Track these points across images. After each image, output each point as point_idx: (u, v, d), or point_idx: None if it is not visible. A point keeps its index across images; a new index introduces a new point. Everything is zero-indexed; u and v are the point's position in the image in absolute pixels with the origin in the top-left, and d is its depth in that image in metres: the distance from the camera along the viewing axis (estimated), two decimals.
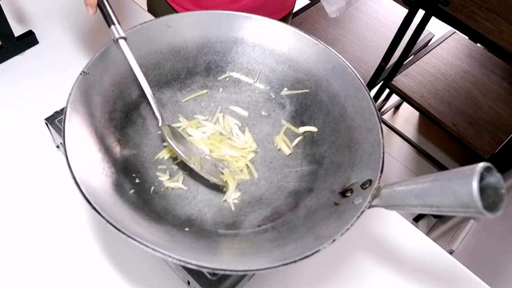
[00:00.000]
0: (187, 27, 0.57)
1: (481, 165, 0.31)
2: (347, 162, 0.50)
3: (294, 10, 1.20)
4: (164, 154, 0.54)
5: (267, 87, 0.61)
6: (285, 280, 0.55)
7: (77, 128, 0.45)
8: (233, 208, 0.51)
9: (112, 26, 0.50)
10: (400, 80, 1.36)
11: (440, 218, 1.48)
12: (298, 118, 0.59)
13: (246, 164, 0.55)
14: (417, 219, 1.50)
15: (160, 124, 0.52)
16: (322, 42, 0.56)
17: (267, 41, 0.59)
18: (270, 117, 0.60)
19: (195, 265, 0.37)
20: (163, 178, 0.52)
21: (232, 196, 0.52)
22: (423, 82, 1.36)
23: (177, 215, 0.49)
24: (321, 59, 0.56)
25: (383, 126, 0.61)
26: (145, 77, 0.56)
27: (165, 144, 0.55)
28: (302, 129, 0.57)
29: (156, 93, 0.57)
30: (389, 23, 1.48)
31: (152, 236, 0.40)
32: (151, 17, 0.82)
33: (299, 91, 0.59)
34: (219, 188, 0.53)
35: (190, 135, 0.57)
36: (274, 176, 0.55)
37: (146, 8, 0.87)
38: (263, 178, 0.55)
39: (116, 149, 0.51)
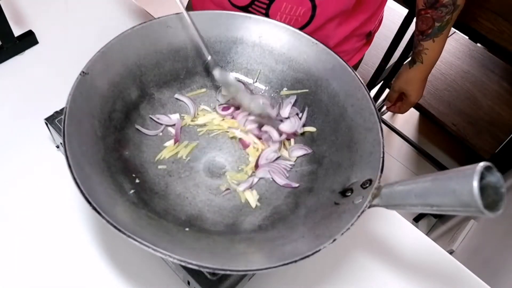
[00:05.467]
0: (186, 27, 0.57)
1: (482, 164, 0.31)
2: (347, 162, 0.50)
3: None
4: (164, 154, 0.54)
5: (267, 87, 0.61)
6: (285, 280, 0.55)
7: (77, 128, 0.45)
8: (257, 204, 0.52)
9: None
10: None
11: (440, 218, 1.48)
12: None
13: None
14: (417, 219, 1.50)
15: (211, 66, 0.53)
16: (321, 42, 0.56)
17: (267, 41, 0.59)
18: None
19: (195, 265, 0.36)
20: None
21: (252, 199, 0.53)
22: None
23: (177, 215, 0.49)
24: (320, 59, 0.56)
25: (383, 126, 0.61)
26: (145, 77, 0.56)
27: (166, 144, 0.55)
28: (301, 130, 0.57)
29: (155, 93, 0.57)
30: (389, 23, 1.48)
31: (152, 236, 0.40)
32: (151, 17, 0.82)
33: (299, 91, 0.59)
34: (219, 188, 0.53)
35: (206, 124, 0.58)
36: None
37: (146, 8, 0.86)
38: (263, 178, 0.55)
39: (116, 149, 0.51)
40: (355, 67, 0.85)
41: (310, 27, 0.67)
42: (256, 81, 0.61)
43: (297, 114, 0.58)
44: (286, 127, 0.56)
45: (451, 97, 1.33)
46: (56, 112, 0.58)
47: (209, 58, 0.54)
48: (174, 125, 0.57)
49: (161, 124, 0.56)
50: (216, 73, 0.55)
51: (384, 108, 0.94)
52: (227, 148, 0.57)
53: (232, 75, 0.55)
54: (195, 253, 0.40)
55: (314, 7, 0.65)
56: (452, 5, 0.67)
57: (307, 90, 0.58)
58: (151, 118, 0.56)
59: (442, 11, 0.67)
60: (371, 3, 0.71)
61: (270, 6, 0.60)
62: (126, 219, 0.40)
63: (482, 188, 0.31)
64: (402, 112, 0.89)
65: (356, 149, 0.50)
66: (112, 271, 0.53)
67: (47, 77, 0.71)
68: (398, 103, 0.88)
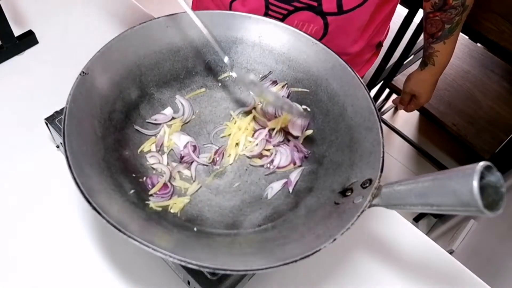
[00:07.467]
0: (186, 27, 0.57)
1: (482, 164, 0.31)
2: (347, 161, 0.50)
3: None
4: (147, 147, 0.54)
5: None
6: (285, 279, 0.55)
7: (77, 128, 0.45)
8: None
9: None
10: (400, 80, 1.36)
11: (440, 218, 1.48)
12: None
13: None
14: (417, 219, 1.50)
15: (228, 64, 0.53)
16: (321, 42, 0.56)
17: (267, 41, 0.59)
18: None
19: (195, 265, 0.36)
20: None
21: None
22: None
23: (177, 215, 0.49)
24: (320, 59, 0.56)
25: (383, 125, 0.61)
26: (145, 77, 0.56)
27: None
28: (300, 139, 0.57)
29: (155, 93, 0.57)
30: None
31: (152, 236, 0.40)
32: (151, 17, 0.82)
33: (299, 89, 0.59)
34: (218, 189, 0.53)
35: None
36: (274, 175, 0.55)
37: (146, 8, 0.87)
38: (263, 178, 0.55)
39: (116, 149, 0.51)
40: (363, 77, 0.85)
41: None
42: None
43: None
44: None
45: (451, 97, 1.33)
46: (56, 112, 0.58)
47: (226, 59, 0.54)
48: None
49: (159, 123, 0.56)
50: (235, 74, 0.55)
51: (385, 107, 0.95)
52: None
53: (251, 75, 0.54)
54: (195, 253, 0.40)
55: (326, 25, 0.64)
56: (461, 6, 0.65)
57: (307, 90, 0.58)
58: (148, 122, 0.56)
59: (451, 13, 0.66)
60: (382, 16, 0.70)
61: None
62: (126, 219, 0.40)
63: (482, 188, 0.31)
64: (408, 111, 0.89)
65: (356, 149, 0.50)
66: (112, 271, 0.53)
67: (47, 77, 0.71)
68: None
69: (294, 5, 0.63)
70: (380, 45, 0.79)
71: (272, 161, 0.55)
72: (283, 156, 0.55)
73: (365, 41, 0.72)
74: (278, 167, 0.55)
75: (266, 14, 0.66)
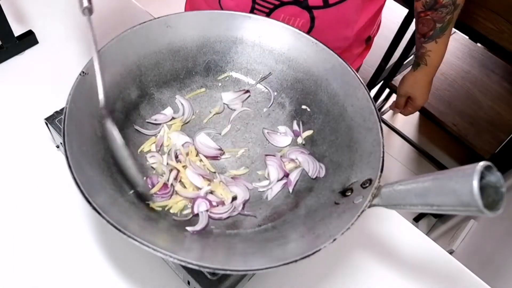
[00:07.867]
0: (186, 27, 0.57)
1: (482, 164, 0.31)
2: (347, 162, 0.50)
3: None
4: (147, 147, 0.54)
5: (267, 87, 0.61)
6: (285, 279, 0.55)
7: (77, 128, 0.45)
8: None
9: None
10: (400, 80, 1.36)
11: (440, 218, 1.48)
12: (298, 118, 0.59)
13: None
14: (417, 219, 1.50)
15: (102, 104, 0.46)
16: (321, 42, 0.56)
17: (267, 41, 0.59)
18: (269, 116, 0.60)
19: (195, 265, 0.36)
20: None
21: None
22: None
23: (177, 215, 0.49)
24: (320, 59, 0.56)
25: (383, 125, 0.61)
26: (145, 77, 0.56)
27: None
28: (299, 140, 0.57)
29: (155, 93, 0.57)
30: (389, 23, 1.48)
31: (152, 236, 0.40)
32: (151, 17, 0.82)
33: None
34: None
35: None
36: None
37: (146, 8, 0.86)
38: (263, 178, 0.55)
39: None
40: (358, 70, 0.84)
41: None
42: (258, 82, 0.61)
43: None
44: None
45: (451, 97, 1.33)
46: (56, 112, 0.58)
47: (101, 101, 0.47)
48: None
49: (159, 123, 0.56)
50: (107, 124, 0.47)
51: (384, 108, 0.95)
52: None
53: (117, 133, 0.47)
54: (195, 253, 0.40)
55: (312, 19, 0.65)
56: (452, 4, 0.65)
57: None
58: (148, 122, 0.56)
59: (442, 12, 0.66)
60: (371, 9, 0.70)
61: (268, 17, 0.60)
62: (126, 219, 0.40)
63: (482, 188, 0.31)
64: (406, 114, 0.88)
65: (356, 149, 0.50)
66: (112, 271, 0.53)
67: (47, 77, 0.71)
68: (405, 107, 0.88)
69: (280, 0, 0.63)
70: (369, 39, 0.79)
71: (269, 183, 0.54)
72: (274, 169, 0.54)
73: (353, 37, 0.72)
74: (278, 180, 0.54)
75: (253, 8, 0.67)
